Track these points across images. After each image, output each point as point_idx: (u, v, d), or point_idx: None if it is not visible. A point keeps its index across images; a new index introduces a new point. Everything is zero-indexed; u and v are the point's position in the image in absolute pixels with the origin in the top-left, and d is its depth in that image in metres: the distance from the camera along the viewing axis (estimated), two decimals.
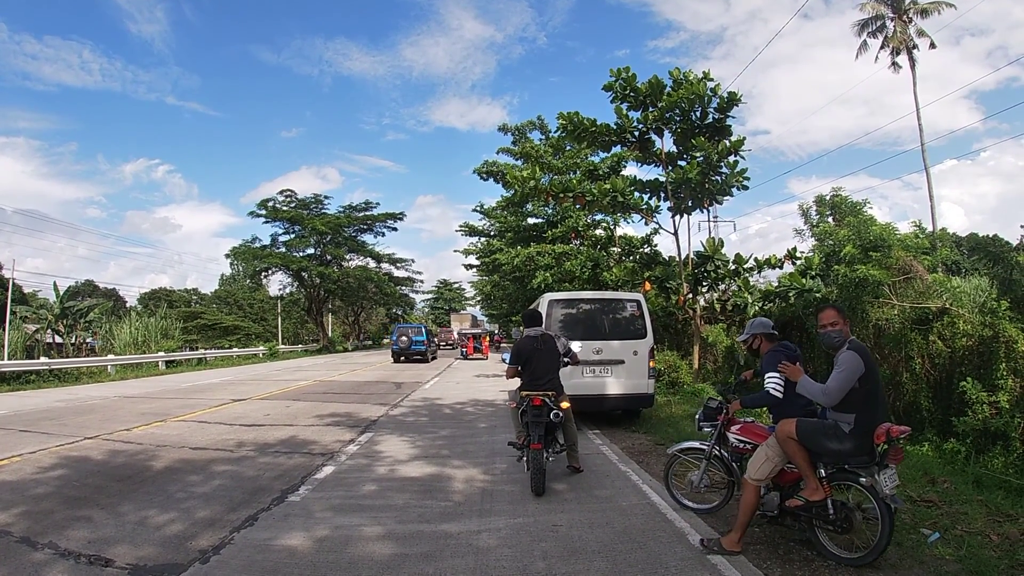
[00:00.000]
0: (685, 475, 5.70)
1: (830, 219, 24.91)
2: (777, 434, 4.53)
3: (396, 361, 33.71)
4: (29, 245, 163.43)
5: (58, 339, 37.48)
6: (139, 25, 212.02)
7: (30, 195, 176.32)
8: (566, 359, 7.33)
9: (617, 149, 17.97)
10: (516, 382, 7.19)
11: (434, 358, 37.55)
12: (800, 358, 4.98)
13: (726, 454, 5.39)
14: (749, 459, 4.87)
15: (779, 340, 5.31)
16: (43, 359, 24.25)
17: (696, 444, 5.65)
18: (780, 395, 4.78)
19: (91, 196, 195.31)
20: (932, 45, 35.58)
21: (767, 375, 4.86)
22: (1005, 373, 11.70)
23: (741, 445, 5.17)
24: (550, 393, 6.70)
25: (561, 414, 6.67)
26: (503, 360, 8.13)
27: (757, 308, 16.85)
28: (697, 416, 5.60)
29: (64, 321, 35.92)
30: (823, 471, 4.43)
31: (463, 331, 48.68)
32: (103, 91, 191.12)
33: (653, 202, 16.60)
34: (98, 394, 16.69)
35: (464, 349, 39.62)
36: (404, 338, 33.84)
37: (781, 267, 16.17)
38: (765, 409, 6.88)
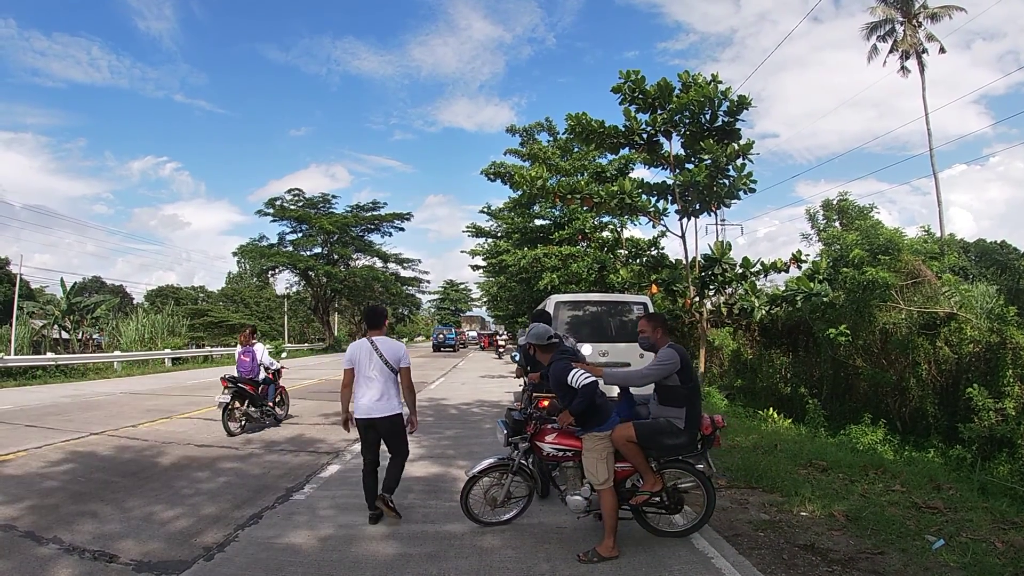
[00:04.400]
0: (486, 493, 5.32)
1: (837, 224, 24.85)
2: (615, 439, 4.66)
3: (435, 351, 49.94)
4: (37, 241, 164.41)
5: (65, 335, 37.65)
6: (148, 22, 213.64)
7: (38, 191, 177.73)
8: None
9: (625, 151, 17.93)
10: (521, 383, 7.16)
11: (456, 349, 53.32)
12: (583, 360, 5.27)
13: (531, 465, 5.27)
14: (565, 466, 5.01)
15: (558, 349, 5.16)
16: (49, 355, 24.39)
17: (494, 461, 5.33)
18: (593, 379, 4.63)
19: (99, 193, 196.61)
20: (942, 50, 35.46)
21: (572, 373, 4.68)
22: (1012, 380, 11.69)
23: (559, 453, 4.98)
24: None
25: None
26: (512, 358, 8.09)
27: (764, 312, 16.80)
28: (503, 431, 5.29)
29: (71, 317, 36.06)
30: (653, 464, 4.81)
31: (481, 332, 71.42)
32: (111, 88, 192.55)
33: (660, 205, 16.55)
34: (104, 390, 16.77)
35: (481, 344, 58.71)
36: (440, 335, 53.71)
37: (787, 271, 16.12)
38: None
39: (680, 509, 4.97)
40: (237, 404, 10.02)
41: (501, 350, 39.41)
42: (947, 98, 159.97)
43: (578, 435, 4.83)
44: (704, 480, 4.87)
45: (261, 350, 10.75)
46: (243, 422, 10.11)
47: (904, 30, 35.67)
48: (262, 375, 10.67)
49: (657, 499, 4.83)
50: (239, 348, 10.79)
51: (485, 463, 5.36)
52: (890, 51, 36.40)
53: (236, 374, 10.37)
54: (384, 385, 5.49)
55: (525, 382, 6.15)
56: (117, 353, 26.80)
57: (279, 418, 11.19)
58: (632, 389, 5.28)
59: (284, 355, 31.69)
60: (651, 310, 10.91)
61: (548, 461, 5.10)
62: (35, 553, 4.58)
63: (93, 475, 7.06)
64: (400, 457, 5.59)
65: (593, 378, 4.67)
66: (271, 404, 10.91)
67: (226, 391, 9.92)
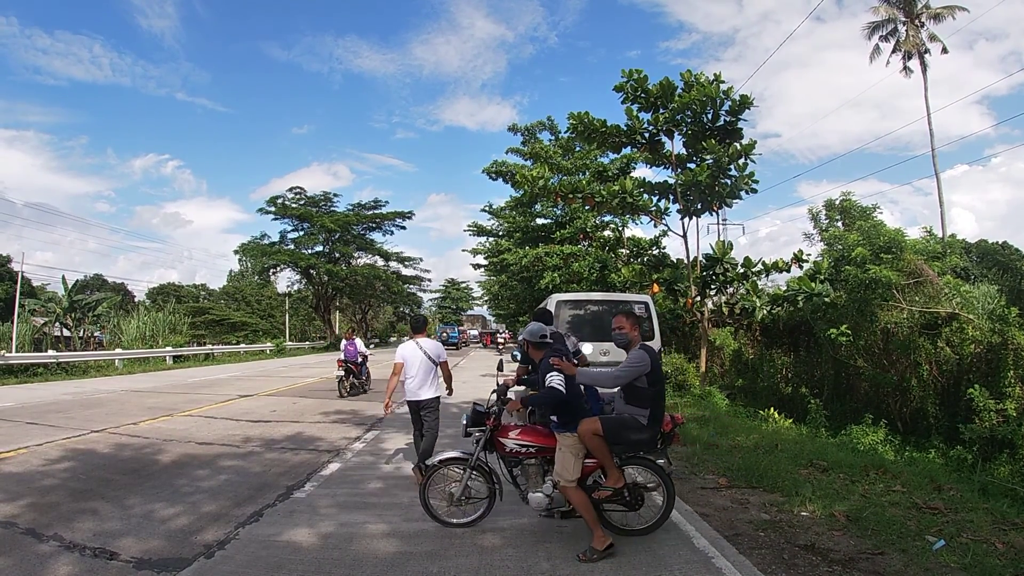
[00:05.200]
0: (445, 488, 5.26)
1: (839, 224, 24.82)
2: (581, 433, 4.68)
3: None
4: (38, 238, 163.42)
5: (66, 333, 37.70)
6: (149, 20, 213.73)
7: (40, 189, 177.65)
8: (575, 360, 7.27)
9: (627, 150, 17.94)
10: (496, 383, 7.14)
11: (459, 347, 55.91)
12: (570, 357, 5.27)
13: (490, 463, 5.24)
14: (527, 463, 5.00)
15: (551, 347, 5.18)
16: (51, 352, 24.38)
17: (457, 454, 5.31)
18: (564, 390, 4.64)
19: (100, 190, 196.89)
20: (944, 50, 35.32)
21: (548, 375, 4.72)
22: (1013, 381, 11.70)
23: (523, 449, 4.98)
24: None
25: None
26: (513, 357, 8.07)
27: (765, 312, 16.80)
28: (464, 422, 5.24)
29: (72, 315, 36.09)
30: (616, 460, 4.86)
31: (483, 331, 77.05)
32: (113, 86, 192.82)
33: (662, 204, 16.56)
34: (105, 388, 16.79)
35: (483, 342, 64.64)
36: (444, 334, 55.74)
37: (788, 271, 16.10)
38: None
39: (641, 506, 4.97)
40: (344, 377, 15.06)
41: (501, 347, 41.57)
42: (949, 99, 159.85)
43: (557, 431, 4.82)
44: (664, 477, 4.94)
45: (360, 342, 15.95)
46: (349, 388, 15.11)
47: (906, 30, 35.56)
48: (359, 359, 15.64)
49: (618, 496, 4.85)
50: (344, 341, 16.08)
51: (446, 454, 5.38)
52: (892, 51, 36.29)
53: (344, 357, 15.31)
54: (426, 375, 7.02)
55: (499, 383, 6.19)
56: (118, 351, 26.80)
57: (366, 389, 15.73)
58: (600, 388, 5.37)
59: (372, 346, 34.62)
60: (652, 309, 10.90)
61: (510, 457, 5.07)
62: (35, 550, 4.58)
63: (94, 472, 7.06)
64: (432, 432, 7.04)
65: (562, 387, 4.65)
66: (363, 378, 15.72)
67: (340, 368, 15.18)
